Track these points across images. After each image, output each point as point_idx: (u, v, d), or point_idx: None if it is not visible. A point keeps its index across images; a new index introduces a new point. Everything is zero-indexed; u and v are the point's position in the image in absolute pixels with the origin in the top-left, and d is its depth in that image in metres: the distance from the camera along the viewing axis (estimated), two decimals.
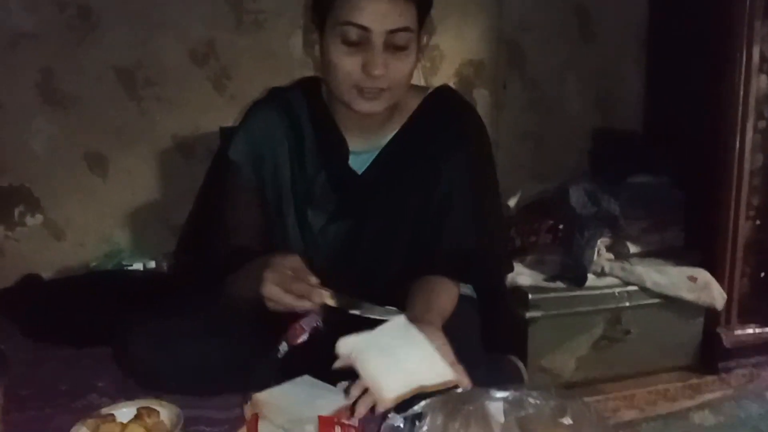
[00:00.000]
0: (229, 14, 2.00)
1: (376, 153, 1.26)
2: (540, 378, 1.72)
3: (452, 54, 2.14)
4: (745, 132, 1.81)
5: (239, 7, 2.00)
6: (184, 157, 2.04)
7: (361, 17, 1.11)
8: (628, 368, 1.84)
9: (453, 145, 1.24)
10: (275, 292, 1.04)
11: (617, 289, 1.81)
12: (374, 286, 1.23)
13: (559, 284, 1.80)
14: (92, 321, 1.43)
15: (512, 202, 1.98)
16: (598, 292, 1.81)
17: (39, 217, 1.98)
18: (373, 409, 0.94)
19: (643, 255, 1.88)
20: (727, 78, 1.81)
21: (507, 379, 1.14)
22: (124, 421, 0.97)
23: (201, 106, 2.02)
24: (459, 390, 0.96)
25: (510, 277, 1.67)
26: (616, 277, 1.82)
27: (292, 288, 1.03)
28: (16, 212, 1.96)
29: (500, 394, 0.93)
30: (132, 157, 2.02)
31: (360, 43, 1.12)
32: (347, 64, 1.13)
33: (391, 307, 1.06)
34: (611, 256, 1.84)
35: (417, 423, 0.90)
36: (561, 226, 1.89)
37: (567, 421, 0.89)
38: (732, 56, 1.79)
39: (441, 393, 0.94)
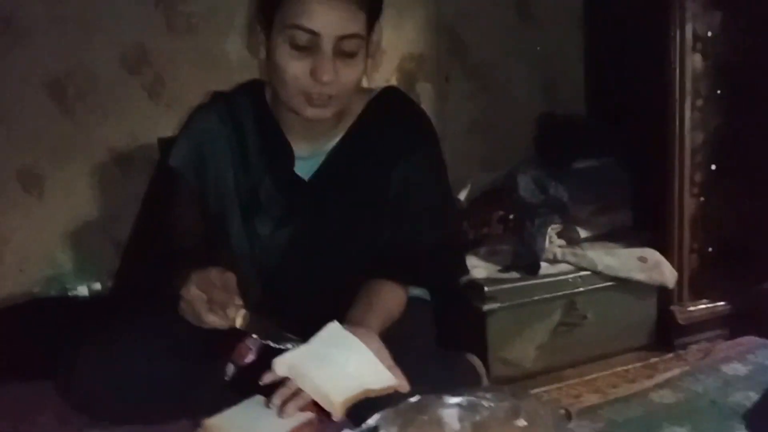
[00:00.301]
0: (159, 17, 1.93)
1: (323, 158, 1.23)
2: (501, 370, 1.72)
3: (392, 49, 2.11)
4: (683, 110, 1.83)
5: (169, 9, 1.93)
6: (122, 169, 1.97)
7: (311, 21, 1.08)
8: (587, 352, 1.85)
9: (402, 149, 1.23)
10: (195, 295, 1.01)
11: (571, 275, 1.82)
12: (324, 291, 1.20)
13: (514, 274, 1.80)
14: (34, 352, 1.37)
15: (463, 195, 1.98)
16: (552, 279, 1.81)
17: None
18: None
19: (593, 239, 1.90)
20: (662, 58, 1.83)
21: (463, 379, 1.13)
22: None
23: (137, 116, 1.95)
24: (412, 399, 0.94)
25: None
26: (569, 263, 1.83)
27: (213, 296, 1.00)
28: None
29: (454, 400, 0.91)
30: (68, 173, 1.94)
31: (309, 48, 1.09)
32: (295, 69, 1.10)
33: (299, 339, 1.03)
34: (563, 242, 1.85)
35: None
36: (511, 216, 1.89)
37: (521, 422, 0.88)
38: (666, 36, 1.81)
39: (388, 399, 0.93)
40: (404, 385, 0.97)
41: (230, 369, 1.04)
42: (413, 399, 0.92)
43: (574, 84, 2.28)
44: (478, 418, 0.89)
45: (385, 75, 2.05)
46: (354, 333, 1.00)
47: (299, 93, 1.12)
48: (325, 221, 1.22)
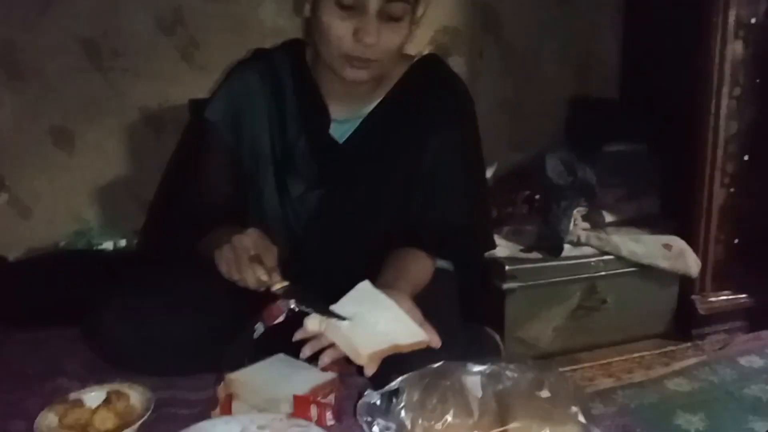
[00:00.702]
0: None
1: (358, 122, 1.23)
2: (517, 348, 1.72)
3: (427, 20, 2.08)
4: (720, 99, 1.80)
5: None
6: (153, 130, 1.98)
7: None
8: (604, 337, 1.85)
9: (438, 119, 1.22)
10: (244, 246, 1.02)
11: (593, 259, 1.81)
12: (351, 256, 1.21)
13: (536, 254, 1.79)
14: (60, 301, 1.39)
15: (489, 173, 1.96)
16: (574, 261, 1.81)
17: (4, 196, 1.93)
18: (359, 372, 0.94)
19: (618, 224, 1.88)
20: (703, 44, 1.79)
21: (484, 351, 1.14)
22: (93, 406, 0.94)
23: (169, 77, 1.96)
24: (438, 364, 0.94)
25: None
26: (592, 246, 1.82)
27: (264, 254, 1.01)
28: None
29: (477, 368, 0.92)
30: (99, 131, 1.96)
31: (354, 8, 1.08)
32: (339, 29, 1.09)
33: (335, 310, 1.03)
34: (587, 225, 1.84)
35: (394, 399, 0.89)
36: (537, 196, 1.88)
37: (544, 393, 0.88)
38: (708, 22, 1.78)
39: (417, 361, 0.93)
40: (435, 340, 0.97)
41: (259, 328, 1.05)
42: (437, 365, 0.92)
43: (607, 66, 2.25)
44: (501, 386, 0.90)
45: (418, 46, 2.03)
46: (387, 294, 1.01)
47: (341, 54, 1.11)
48: (356, 186, 1.22)
